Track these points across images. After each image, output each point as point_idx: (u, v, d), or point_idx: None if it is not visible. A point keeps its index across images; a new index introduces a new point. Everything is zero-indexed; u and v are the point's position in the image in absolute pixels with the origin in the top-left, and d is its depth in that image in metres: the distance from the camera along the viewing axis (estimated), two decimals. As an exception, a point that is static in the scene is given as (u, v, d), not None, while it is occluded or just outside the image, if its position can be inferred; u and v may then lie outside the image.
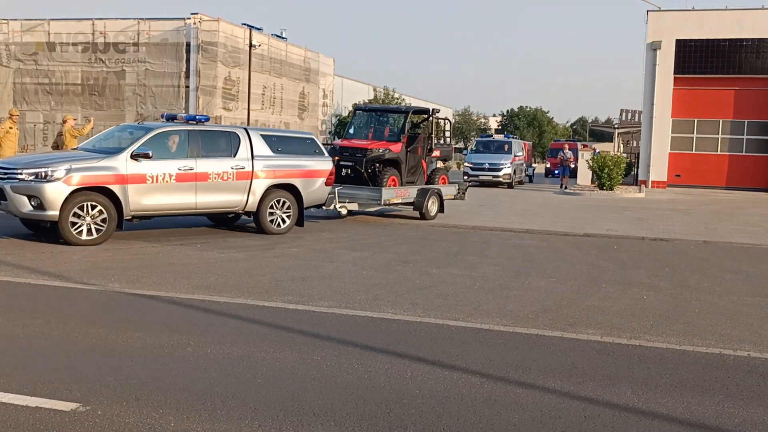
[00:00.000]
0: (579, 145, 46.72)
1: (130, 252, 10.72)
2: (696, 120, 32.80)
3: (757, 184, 31.67)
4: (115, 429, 4.23)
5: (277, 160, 13.03)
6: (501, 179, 30.25)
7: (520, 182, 33.26)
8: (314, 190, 13.59)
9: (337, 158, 16.28)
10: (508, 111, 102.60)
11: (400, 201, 15.96)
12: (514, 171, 30.90)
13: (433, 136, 17.96)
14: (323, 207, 14.40)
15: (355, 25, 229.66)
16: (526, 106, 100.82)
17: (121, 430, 4.21)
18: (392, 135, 17.24)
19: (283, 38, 45.22)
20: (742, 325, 7.37)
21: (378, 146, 16.54)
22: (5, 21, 39.72)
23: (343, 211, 15.19)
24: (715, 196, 28.28)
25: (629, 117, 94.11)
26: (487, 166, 30.52)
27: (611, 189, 28.00)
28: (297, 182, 13.26)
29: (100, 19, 38.69)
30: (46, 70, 38.85)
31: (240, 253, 10.92)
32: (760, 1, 39.33)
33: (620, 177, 28.74)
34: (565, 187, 29.89)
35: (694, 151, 32.94)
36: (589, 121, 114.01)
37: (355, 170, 16.22)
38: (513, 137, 35.55)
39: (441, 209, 16.72)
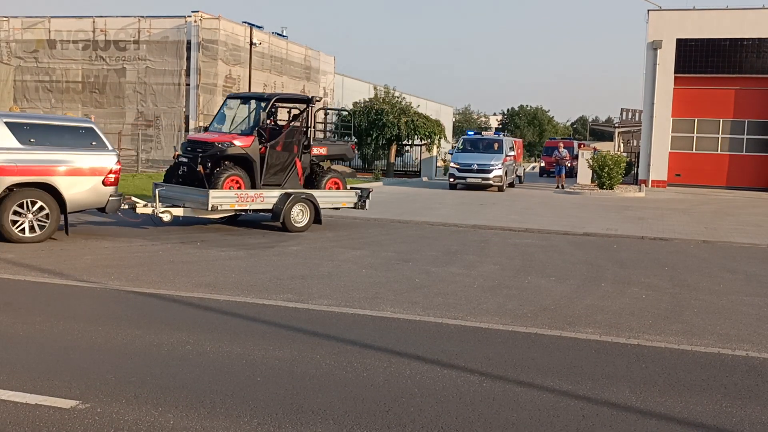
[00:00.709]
0: (575, 143, 45.02)
1: (130, 250, 10.73)
2: (696, 119, 32.80)
3: (757, 184, 31.68)
4: (114, 426, 4.24)
5: (26, 153, 10.86)
6: (491, 182, 26.63)
7: (511, 185, 29.65)
8: (84, 191, 11.35)
9: (177, 154, 14.39)
10: (508, 110, 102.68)
11: (247, 207, 13.31)
12: (505, 172, 27.24)
13: (311, 129, 14.88)
14: (105, 211, 11.97)
15: (356, 24, 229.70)
16: (527, 105, 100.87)
17: (120, 428, 4.23)
18: (247, 127, 14.33)
19: (283, 36, 45.24)
20: (741, 324, 7.38)
21: (223, 140, 13.75)
22: (6, 18, 39.72)
23: (166, 217, 12.66)
24: (715, 196, 28.28)
25: (629, 116, 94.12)
26: (475, 167, 26.69)
27: (611, 188, 28.00)
28: (57, 181, 11.05)
29: (101, 16, 38.71)
30: (46, 67, 38.88)
31: (240, 251, 10.94)
32: (761, 1, 39.34)
33: (620, 176, 28.72)
34: (562, 186, 29.31)
35: (694, 151, 32.94)
36: (590, 120, 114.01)
37: (191, 168, 13.64)
38: (503, 134, 30.73)
39: (317, 219, 13.80)
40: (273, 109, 14.82)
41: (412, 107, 40.07)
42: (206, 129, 15.66)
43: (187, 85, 37.42)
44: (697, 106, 32.50)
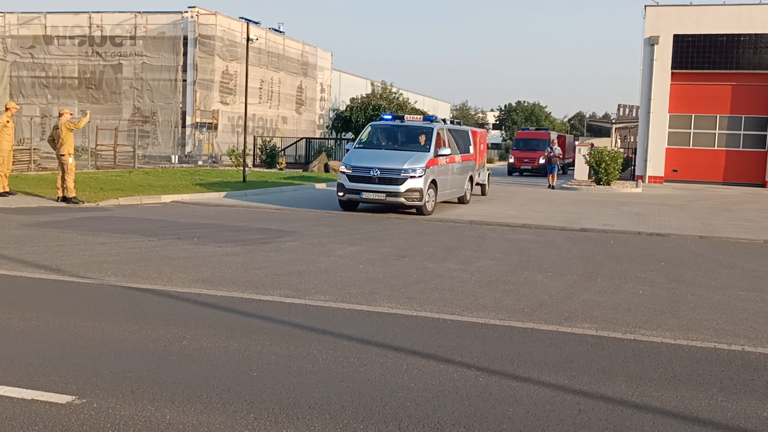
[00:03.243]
0: (553, 135, 40.09)
1: (127, 246, 10.72)
2: (693, 115, 32.86)
3: (753, 180, 31.77)
4: (110, 422, 4.24)
5: None
6: (402, 200, 15.97)
7: (462, 200, 19.61)
8: None
9: None
10: (506, 106, 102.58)
11: None
12: (433, 183, 16.58)
13: None
14: None
15: (353, 20, 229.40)
16: (524, 101, 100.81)
17: (116, 423, 4.22)
18: None
19: (280, 32, 45.20)
20: (737, 319, 7.39)
21: None
22: (2, 14, 39.62)
23: None
24: (712, 192, 28.33)
25: (627, 112, 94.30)
26: (376, 174, 16.00)
27: (608, 184, 28.05)
28: None
29: (97, 12, 38.62)
30: (42, 63, 38.78)
31: (237, 247, 10.93)
32: (758, -3, 39.30)
33: (617, 172, 28.75)
34: (552, 186, 27.94)
35: (691, 147, 33.02)
36: (587, 116, 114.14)
37: None
38: (436, 120, 18.87)
39: None
40: None
41: (409, 103, 40.07)
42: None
43: (184, 81, 37.39)
44: (694, 101, 32.58)
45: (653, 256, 11.61)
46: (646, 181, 32.27)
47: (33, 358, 5.37)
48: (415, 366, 5.45)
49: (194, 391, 4.75)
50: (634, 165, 35.03)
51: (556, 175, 28.65)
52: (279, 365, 5.37)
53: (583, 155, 30.13)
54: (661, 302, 8.10)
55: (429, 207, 16.50)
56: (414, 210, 16.59)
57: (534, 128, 49.44)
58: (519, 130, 49.58)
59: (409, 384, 5.05)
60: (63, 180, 15.96)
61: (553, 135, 40.02)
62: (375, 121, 19.51)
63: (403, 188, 15.93)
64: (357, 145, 17.61)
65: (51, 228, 12.11)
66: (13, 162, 18.08)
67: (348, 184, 16.35)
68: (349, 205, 16.82)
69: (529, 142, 40.27)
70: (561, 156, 30.20)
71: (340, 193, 16.63)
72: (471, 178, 20.33)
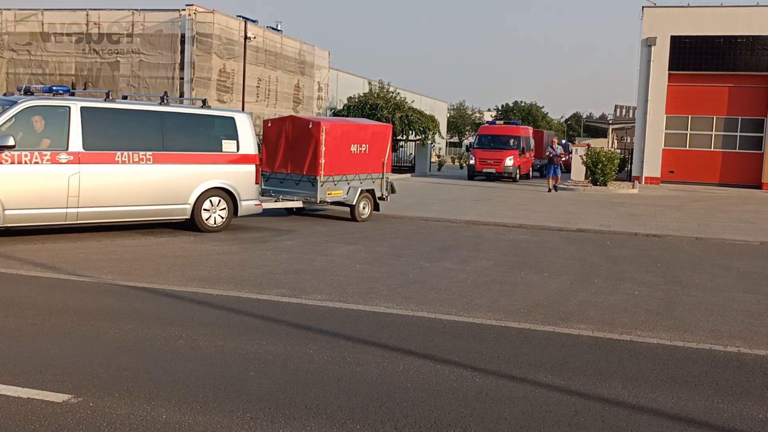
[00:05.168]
0: (531, 130, 35.82)
1: (123, 244, 10.70)
2: (690, 116, 32.89)
3: (749, 181, 31.81)
4: (107, 421, 4.23)
5: None
6: None
7: (202, 228, 12.11)
8: None
9: None
10: (503, 106, 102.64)
11: None
12: None
13: None
14: None
15: (351, 19, 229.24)
16: (521, 101, 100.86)
17: (112, 422, 4.22)
18: None
19: (278, 30, 45.14)
20: (733, 321, 7.41)
21: None
22: (-2, 10, 39.47)
23: None
24: (708, 193, 28.36)
25: (623, 113, 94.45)
26: None
27: (605, 185, 28.04)
28: None
29: (94, 9, 38.54)
30: (39, 60, 38.71)
31: (234, 246, 10.92)
32: (755, -2, 39.39)
33: (614, 173, 28.70)
34: (555, 189, 26.49)
35: (687, 148, 33.04)
36: (584, 116, 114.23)
37: None
38: (67, 91, 11.36)
39: None
40: None
41: (406, 102, 40.04)
42: None
43: (181, 78, 37.31)
44: (691, 103, 32.60)
45: (649, 257, 11.62)
46: (643, 182, 32.29)
47: (29, 356, 5.36)
48: (412, 366, 5.45)
49: (191, 391, 4.74)
50: (631, 166, 35.05)
51: (559, 177, 26.86)
52: (275, 365, 5.36)
53: (580, 156, 30.14)
54: (657, 303, 8.11)
55: None
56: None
57: (502, 122, 39.14)
58: (485, 124, 40.45)
59: (405, 384, 5.05)
60: (59, 177, 15.91)
61: (529, 130, 35.69)
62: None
63: None
64: None
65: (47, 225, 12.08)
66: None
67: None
68: None
69: (496, 139, 32.90)
70: (564, 156, 28.26)
71: None
72: (231, 195, 12.60)
